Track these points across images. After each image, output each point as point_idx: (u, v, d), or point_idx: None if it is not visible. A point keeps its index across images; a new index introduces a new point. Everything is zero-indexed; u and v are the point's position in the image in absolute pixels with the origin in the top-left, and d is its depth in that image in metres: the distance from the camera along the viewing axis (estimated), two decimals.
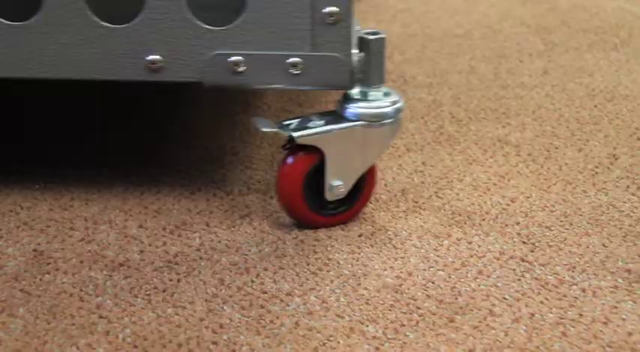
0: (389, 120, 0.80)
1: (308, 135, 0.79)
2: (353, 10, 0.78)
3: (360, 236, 0.81)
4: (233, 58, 0.78)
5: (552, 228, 0.82)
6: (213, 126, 1.02)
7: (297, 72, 0.78)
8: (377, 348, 0.67)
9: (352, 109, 0.80)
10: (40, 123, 1.03)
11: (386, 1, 1.44)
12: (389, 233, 0.81)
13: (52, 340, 0.68)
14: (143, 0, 0.77)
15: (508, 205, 0.86)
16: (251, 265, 0.77)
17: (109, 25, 0.78)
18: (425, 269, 0.76)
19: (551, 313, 0.71)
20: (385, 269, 0.76)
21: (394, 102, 0.81)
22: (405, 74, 1.17)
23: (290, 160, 0.80)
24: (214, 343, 0.67)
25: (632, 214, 0.85)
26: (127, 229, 0.82)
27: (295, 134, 0.79)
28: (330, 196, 0.81)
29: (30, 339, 0.68)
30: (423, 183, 0.90)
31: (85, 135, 1.00)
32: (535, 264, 0.77)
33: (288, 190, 0.80)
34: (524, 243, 0.80)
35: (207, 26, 0.78)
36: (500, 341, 0.68)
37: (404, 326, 0.69)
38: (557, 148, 0.98)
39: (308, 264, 0.77)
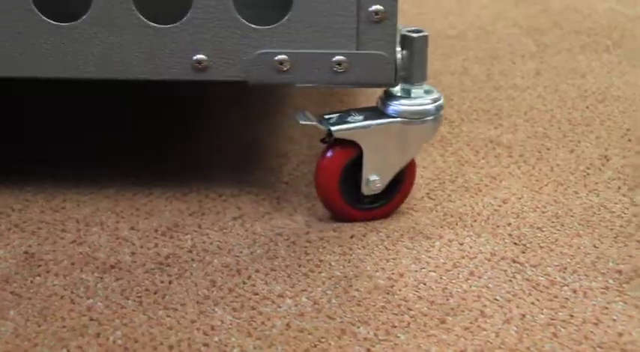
0: (430, 117, 0.81)
1: (346, 129, 0.81)
2: (398, 9, 0.79)
3: (351, 237, 0.81)
4: (278, 57, 0.79)
5: (544, 229, 0.83)
6: (205, 128, 1.02)
7: (342, 70, 0.79)
8: (368, 350, 0.67)
9: (394, 106, 0.81)
10: (32, 123, 1.03)
11: None
12: (381, 234, 0.82)
13: (43, 343, 0.68)
14: (190, 0, 0.78)
15: (500, 206, 0.87)
16: (243, 267, 0.77)
17: (155, 25, 0.78)
18: (416, 271, 0.76)
19: (542, 314, 0.71)
20: (377, 271, 0.76)
21: (435, 100, 0.81)
22: None
23: (329, 154, 0.82)
24: (205, 345, 0.67)
25: (623, 215, 0.85)
26: (118, 231, 0.82)
27: (333, 128, 0.80)
28: (366, 190, 0.82)
29: (20, 342, 0.68)
30: (415, 184, 0.91)
31: (74, 137, 1.00)
32: (526, 265, 0.77)
33: (326, 183, 0.82)
34: (515, 244, 0.80)
35: (254, 25, 0.78)
36: (491, 342, 0.68)
37: (395, 327, 0.69)
38: (548, 149, 0.98)
39: (300, 266, 0.77)
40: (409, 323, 0.70)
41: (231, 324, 0.70)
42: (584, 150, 0.98)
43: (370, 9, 0.78)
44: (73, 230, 0.82)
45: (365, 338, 0.68)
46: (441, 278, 0.75)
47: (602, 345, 0.67)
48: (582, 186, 0.90)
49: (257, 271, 0.76)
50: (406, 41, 0.80)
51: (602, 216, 0.85)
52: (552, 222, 0.84)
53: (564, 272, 0.76)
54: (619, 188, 0.90)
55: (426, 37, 0.80)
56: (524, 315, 0.71)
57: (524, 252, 0.79)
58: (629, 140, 1.00)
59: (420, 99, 0.81)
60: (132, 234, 0.81)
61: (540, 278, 0.75)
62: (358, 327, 0.69)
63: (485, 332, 0.69)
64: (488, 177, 0.92)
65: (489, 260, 0.78)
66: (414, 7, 1.44)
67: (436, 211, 0.86)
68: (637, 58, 1.24)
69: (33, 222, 0.83)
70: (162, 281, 0.75)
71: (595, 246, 0.80)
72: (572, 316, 0.71)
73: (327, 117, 0.82)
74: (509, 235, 0.82)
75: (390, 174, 0.82)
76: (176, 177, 0.92)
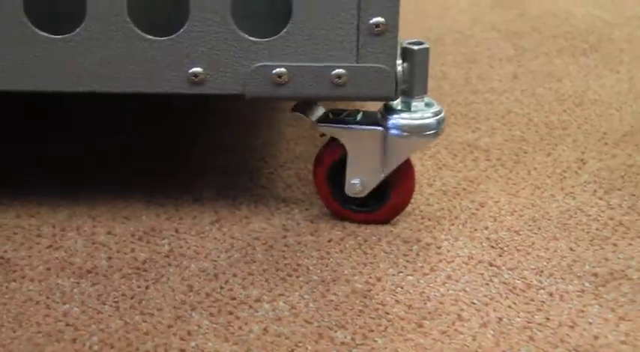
0: (431, 132, 0.80)
1: (327, 126, 0.81)
2: (399, 20, 0.78)
3: (329, 241, 0.81)
4: (276, 70, 0.78)
5: (520, 233, 0.83)
6: (183, 132, 1.02)
7: (342, 83, 0.78)
8: None
9: (394, 120, 0.80)
10: (2, 126, 1.03)
11: None
12: (358, 238, 0.82)
13: (18, 348, 0.67)
14: (187, 11, 0.77)
15: (477, 210, 0.87)
16: (220, 271, 0.77)
17: (151, 37, 0.77)
18: (394, 275, 0.76)
19: (518, 317, 0.71)
20: (354, 275, 0.76)
21: (437, 113, 0.81)
22: None
23: (322, 149, 0.83)
24: (182, 350, 0.67)
25: (599, 218, 0.85)
26: (95, 236, 0.81)
27: (318, 123, 0.81)
28: (349, 192, 0.82)
29: None
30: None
31: (46, 140, 0.99)
32: (503, 268, 0.77)
33: (316, 177, 0.84)
34: (492, 247, 0.81)
35: (252, 38, 0.77)
36: (468, 346, 0.68)
37: (373, 331, 0.70)
38: (526, 153, 0.98)
39: (277, 270, 0.77)
40: (386, 327, 0.70)
41: (208, 329, 0.69)
42: (561, 154, 0.98)
43: (371, 21, 0.76)
44: (48, 235, 0.82)
45: (342, 343, 0.68)
46: (419, 281, 0.76)
47: (578, 348, 0.68)
48: (559, 190, 0.91)
49: (234, 275, 0.76)
50: (407, 54, 0.79)
51: (578, 219, 0.85)
52: (529, 226, 0.84)
53: (541, 276, 0.76)
54: (595, 191, 0.90)
55: (427, 49, 0.79)
56: (500, 319, 0.71)
57: (501, 256, 0.79)
58: (606, 143, 1.01)
59: (420, 113, 0.80)
60: (108, 239, 0.81)
61: (517, 281, 0.76)
62: (336, 331, 0.69)
63: (462, 336, 0.69)
64: (466, 180, 0.92)
65: (467, 263, 0.78)
66: None
67: (414, 215, 0.86)
68: (614, 61, 1.25)
69: (8, 227, 0.83)
70: (138, 286, 0.74)
71: (571, 249, 0.80)
72: (548, 319, 0.71)
73: (333, 112, 0.82)
74: (487, 238, 0.82)
75: (374, 180, 0.82)
76: (153, 181, 0.91)
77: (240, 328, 0.70)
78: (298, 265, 0.78)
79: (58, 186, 0.90)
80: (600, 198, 0.89)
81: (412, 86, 0.80)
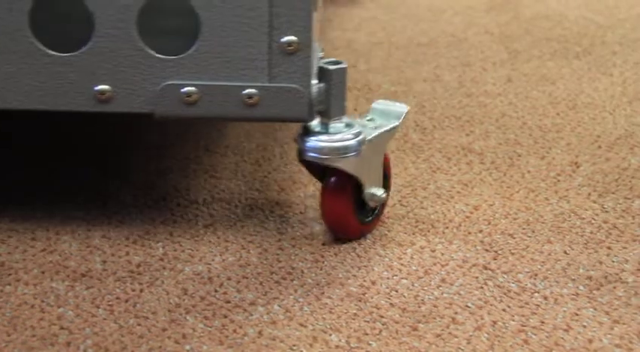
0: (352, 154, 0.77)
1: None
2: (313, 39, 0.76)
3: (323, 244, 0.81)
4: (185, 89, 0.75)
5: (515, 236, 0.83)
6: (177, 135, 1.02)
7: (253, 103, 0.75)
8: None
9: (312, 143, 0.77)
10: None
11: (350, 10, 1.45)
12: (352, 242, 0.82)
13: None
14: (92, 27, 0.74)
15: (471, 213, 0.87)
16: (214, 274, 0.77)
17: (54, 53, 0.75)
18: (388, 278, 0.77)
19: (513, 321, 0.71)
20: (349, 278, 0.76)
21: (357, 134, 0.78)
22: (370, 83, 1.17)
23: None
24: None
25: (593, 221, 0.86)
26: (89, 239, 0.81)
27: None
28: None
29: None
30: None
31: (43, 144, 0.99)
32: (497, 271, 0.78)
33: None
34: (486, 250, 0.81)
35: (159, 55, 0.75)
36: (462, 349, 0.68)
37: (367, 334, 0.70)
38: (520, 156, 0.99)
39: (271, 273, 0.77)
40: (381, 331, 0.70)
41: (202, 332, 0.69)
42: (554, 157, 0.98)
43: (282, 40, 0.74)
44: (43, 238, 0.81)
45: (337, 346, 0.68)
46: (413, 285, 0.76)
47: (572, 351, 0.68)
48: (553, 193, 0.91)
49: (229, 279, 0.76)
50: (323, 73, 0.76)
51: (572, 223, 0.85)
52: (523, 229, 0.84)
53: (535, 279, 0.77)
54: (589, 194, 0.91)
55: (344, 69, 0.76)
56: (495, 322, 0.71)
57: (495, 259, 0.79)
58: (600, 147, 1.01)
59: (340, 135, 0.77)
60: (103, 242, 0.81)
61: (511, 284, 0.76)
62: (330, 335, 0.69)
63: (456, 339, 0.69)
64: (460, 183, 0.93)
65: (461, 267, 0.78)
66: (385, 14, 1.44)
67: (408, 218, 0.86)
68: (607, 64, 1.25)
69: (3, 231, 0.82)
70: (133, 290, 0.74)
71: (566, 253, 0.80)
72: (543, 322, 0.71)
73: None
74: (481, 242, 0.82)
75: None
76: (147, 185, 0.91)
77: (234, 331, 0.70)
78: (292, 268, 0.78)
79: (53, 190, 0.90)
80: (594, 202, 0.89)
81: (329, 107, 0.77)
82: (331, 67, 0.76)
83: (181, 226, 0.84)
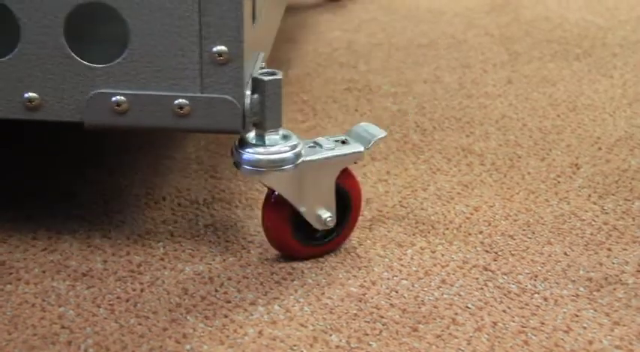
0: (289, 166, 0.75)
1: None
2: (245, 49, 0.73)
3: None
4: (115, 98, 0.73)
5: (515, 237, 0.83)
6: (178, 136, 1.02)
7: (184, 114, 0.73)
8: None
9: (248, 155, 0.75)
10: (1, 130, 1.03)
11: (351, 11, 1.45)
12: (353, 242, 0.82)
13: (13, 351, 0.67)
14: (19, 33, 0.73)
15: (471, 214, 0.87)
16: (215, 274, 0.77)
17: None
18: (389, 278, 0.77)
19: (513, 322, 0.71)
20: (349, 278, 0.77)
21: (294, 147, 0.75)
22: (370, 83, 1.17)
23: None
24: None
25: (593, 223, 0.86)
26: (90, 239, 0.81)
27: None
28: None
29: None
30: (387, 192, 0.91)
31: (44, 142, 0.99)
32: (498, 272, 0.78)
33: None
34: (487, 251, 0.81)
35: (87, 63, 0.73)
36: (462, 350, 0.68)
37: (367, 335, 0.70)
38: (520, 157, 0.99)
39: (272, 273, 0.77)
40: (381, 331, 0.70)
41: (203, 332, 0.69)
42: (555, 159, 0.99)
43: (213, 50, 0.72)
44: (44, 238, 0.81)
45: (337, 346, 0.68)
46: (413, 286, 0.76)
47: None
48: (553, 194, 0.91)
49: (229, 279, 0.76)
50: (257, 84, 0.74)
51: (572, 224, 0.85)
52: (523, 230, 0.84)
53: (535, 280, 0.77)
54: (589, 196, 0.91)
55: (279, 80, 0.74)
56: (495, 323, 0.71)
57: (495, 260, 0.79)
58: (600, 148, 1.01)
59: (276, 147, 0.75)
60: (104, 242, 0.81)
61: (512, 286, 0.76)
62: (330, 335, 0.70)
63: (456, 340, 0.69)
64: (460, 185, 0.93)
65: (461, 268, 0.78)
66: (385, 15, 1.44)
67: (408, 219, 0.86)
68: (607, 66, 1.25)
69: (4, 230, 0.82)
70: (134, 289, 0.74)
71: (566, 254, 0.81)
72: (543, 323, 0.71)
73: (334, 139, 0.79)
74: (481, 243, 0.82)
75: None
76: (148, 185, 0.91)
77: (235, 331, 0.70)
78: (293, 268, 0.78)
79: (53, 190, 0.90)
80: (594, 203, 0.89)
81: (264, 119, 0.74)
82: (265, 78, 0.74)
83: (182, 226, 0.84)
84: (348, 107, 1.10)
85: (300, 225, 0.77)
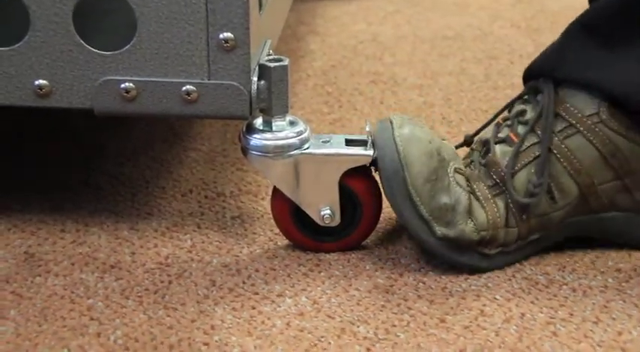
0: (295, 152, 0.75)
1: None
2: (251, 36, 0.73)
3: None
4: (124, 85, 0.74)
5: None
6: (204, 128, 1.02)
7: (192, 100, 0.74)
8: (368, 349, 0.67)
9: (255, 141, 0.76)
10: (32, 123, 1.03)
11: (375, 3, 1.45)
12: (379, 233, 0.82)
13: (44, 342, 0.68)
14: (29, 21, 0.74)
15: None
16: (242, 266, 0.77)
17: None
18: (416, 270, 0.77)
19: (541, 313, 0.71)
20: (376, 270, 0.77)
21: (300, 133, 0.76)
22: (395, 76, 1.17)
23: None
24: (206, 344, 0.67)
25: None
26: (118, 231, 0.82)
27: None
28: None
29: (21, 342, 0.68)
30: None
31: (71, 135, 1.00)
32: (525, 264, 0.77)
33: None
34: None
35: (97, 50, 0.74)
36: (491, 342, 0.68)
37: (395, 326, 0.70)
38: None
39: (299, 265, 0.77)
40: (409, 323, 0.70)
41: (231, 324, 0.70)
42: None
43: (220, 36, 0.73)
44: (72, 230, 0.82)
45: (365, 337, 0.68)
46: (441, 277, 0.76)
47: (601, 344, 0.68)
48: None
49: (256, 271, 0.76)
50: (264, 71, 0.74)
51: None
52: None
53: (563, 271, 0.76)
54: None
55: (285, 66, 0.74)
56: (523, 314, 0.71)
57: None
58: None
59: (283, 133, 0.76)
60: (132, 234, 0.81)
61: (539, 277, 0.76)
62: (358, 326, 0.70)
63: (485, 332, 0.69)
64: None
65: None
66: (409, 7, 1.44)
67: None
68: None
69: (33, 223, 0.83)
70: (162, 281, 0.75)
71: (594, 245, 0.80)
72: (571, 315, 0.71)
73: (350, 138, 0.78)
74: None
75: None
76: (175, 177, 0.92)
77: (262, 322, 0.70)
78: (320, 260, 0.78)
79: (80, 182, 0.90)
80: None
81: (271, 105, 0.75)
82: (271, 65, 0.74)
83: (209, 218, 0.84)
84: (374, 99, 1.10)
85: (303, 218, 0.78)
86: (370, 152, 0.76)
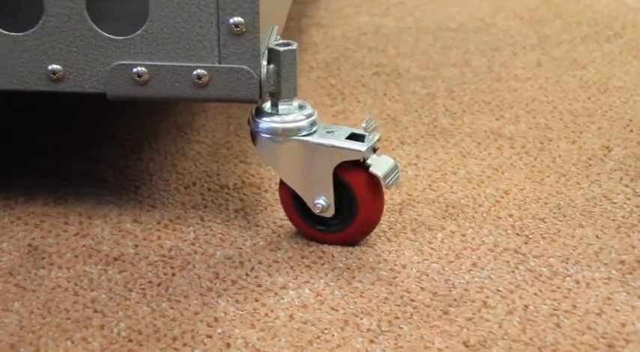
0: (304, 134, 0.77)
1: None
2: (261, 20, 0.74)
3: None
4: (136, 69, 0.75)
5: (546, 220, 0.83)
6: (208, 121, 1.02)
7: (203, 84, 0.75)
8: (371, 341, 0.67)
9: (264, 124, 0.77)
10: (35, 115, 1.03)
11: None
12: (383, 226, 0.82)
13: (47, 334, 0.68)
14: (42, 6, 0.75)
15: (502, 197, 0.87)
16: (245, 259, 0.77)
17: (5, 32, 0.75)
18: (419, 262, 0.77)
19: (544, 305, 0.71)
20: (379, 262, 0.76)
21: (309, 116, 0.77)
22: (398, 67, 1.17)
23: None
24: (209, 336, 0.68)
25: (625, 206, 0.85)
26: (121, 223, 0.82)
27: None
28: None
29: (25, 334, 0.68)
30: (417, 176, 0.91)
31: (75, 128, 1.00)
32: (529, 255, 0.77)
33: None
34: (517, 234, 0.80)
35: (109, 35, 0.75)
36: (494, 333, 0.68)
37: (398, 318, 0.70)
38: (550, 140, 0.98)
39: (302, 257, 0.77)
40: (412, 315, 0.70)
41: (234, 316, 0.70)
42: (586, 141, 0.98)
43: (230, 21, 0.74)
44: (75, 223, 0.82)
45: (368, 329, 0.68)
46: (444, 269, 0.76)
47: (605, 335, 0.68)
48: (584, 177, 0.90)
49: (260, 263, 0.76)
50: (273, 55, 0.76)
51: (604, 207, 0.85)
52: (554, 213, 0.84)
53: (567, 263, 0.76)
54: (621, 179, 0.90)
55: (294, 50, 0.76)
56: (527, 306, 0.71)
57: (526, 243, 0.79)
58: (631, 131, 1.00)
59: (292, 116, 0.77)
60: (135, 227, 0.81)
61: (543, 268, 0.76)
62: (361, 318, 0.70)
63: (488, 323, 0.69)
64: (490, 168, 0.92)
65: (492, 251, 0.78)
66: None
67: (438, 203, 0.86)
68: (638, 48, 1.24)
69: (36, 215, 0.83)
70: (165, 274, 0.75)
71: (597, 237, 0.80)
72: (575, 307, 0.71)
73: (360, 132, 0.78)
74: (512, 226, 0.82)
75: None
76: (178, 169, 0.92)
77: (266, 315, 0.70)
78: (323, 252, 0.78)
79: (83, 175, 0.90)
80: (626, 186, 0.89)
81: (280, 88, 0.76)
82: (281, 49, 0.75)
83: (212, 211, 0.84)
84: (377, 91, 1.10)
85: (303, 205, 0.79)
86: (363, 148, 0.76)
